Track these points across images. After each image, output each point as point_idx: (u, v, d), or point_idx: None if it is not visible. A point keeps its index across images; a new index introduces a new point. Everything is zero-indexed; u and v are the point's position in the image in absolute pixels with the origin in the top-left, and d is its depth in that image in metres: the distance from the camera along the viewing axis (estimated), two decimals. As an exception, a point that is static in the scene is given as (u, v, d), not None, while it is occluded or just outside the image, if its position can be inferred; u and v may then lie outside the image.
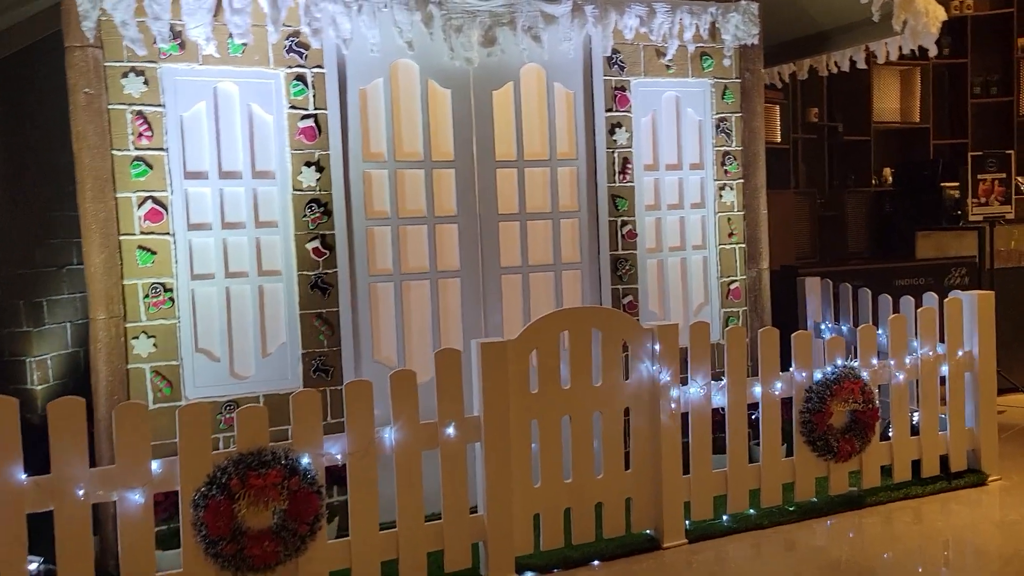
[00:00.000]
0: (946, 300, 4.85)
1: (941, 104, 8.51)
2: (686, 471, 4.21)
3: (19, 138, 4.57)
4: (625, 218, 4.92)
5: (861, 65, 5.65)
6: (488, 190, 4.66)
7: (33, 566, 3.28)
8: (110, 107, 3.89)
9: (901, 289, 6.14)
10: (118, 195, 3.92)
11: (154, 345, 4.00)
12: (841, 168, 8.28)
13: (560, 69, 4.78)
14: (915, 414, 4.80)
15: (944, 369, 4.82)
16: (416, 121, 4.52)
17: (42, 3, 3.94)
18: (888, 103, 8.44)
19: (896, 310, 5.03)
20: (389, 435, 3.62)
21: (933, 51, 5.12)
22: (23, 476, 3.08)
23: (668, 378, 4.09)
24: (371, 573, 3.59)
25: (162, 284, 4.01)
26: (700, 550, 4.09)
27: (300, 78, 4.22)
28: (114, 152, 3.90)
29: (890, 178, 8.22)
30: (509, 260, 4.73)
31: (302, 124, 4.23)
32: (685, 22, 4.85)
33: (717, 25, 4.94)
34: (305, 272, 4.26)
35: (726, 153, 5.15)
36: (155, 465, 3.27)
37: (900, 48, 5.25)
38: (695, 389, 4.19)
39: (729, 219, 5.17)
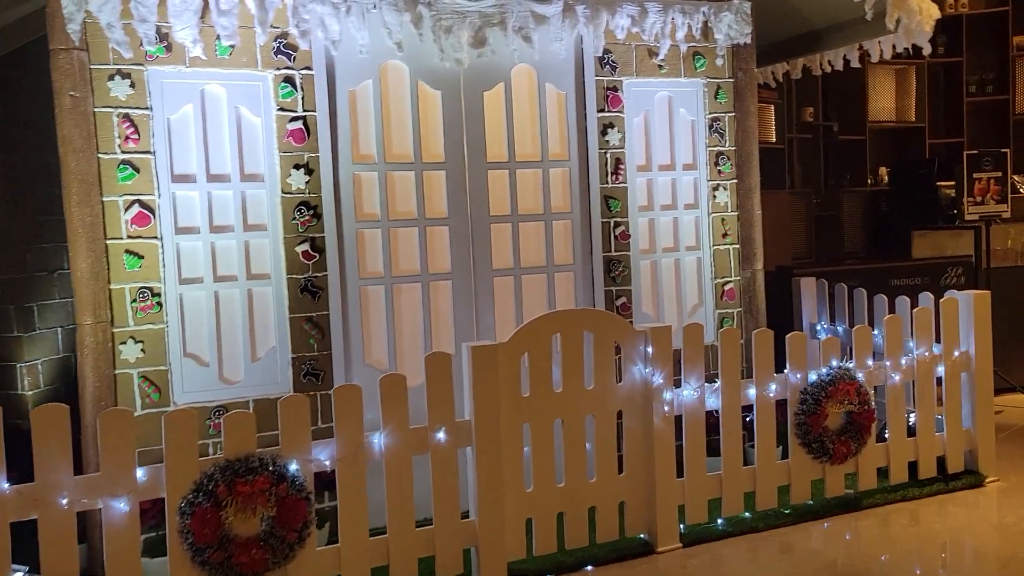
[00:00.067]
0: (942, 300, 4.82)
1: (936, 103, 8.48)
2: (680, 474, 4.18)
3: (10, 140, 4.53)
4: (618, 219, 4.88)
5: (855, 64, 5.62)
6: (479, 192, 4.63)
7: (18, 575, 3.25)
8: (96, 110, 3.85)
9: (897, 289, 6.11)
10: (105, 199, 3.88)
11: (142, 350, 3.96)
12: (836, 168, 8.25)
13: (551, 70, 4.75)
14: (911, 415, 4.77)
15: (940, 369, 4.78)
16: (406, 123, 4.49)
17: (33, 5, 3.91)
18: (883, 102, 8.40)
19: (892, 310, 5.00)
20: (379, 440, 3.58)
21: (927, 50, 5.09)
22: (5, 484, 3.04)
23: (661, 380, 4.05)
24: (361, 580, 3.56)
25: (149, 288, 3.97)
26: (695, 554, 4.05)
27: (288, 80, 4.19)
28: (100, 155, 3.86)
29: (886, 177, 8.18)
30: (501, 262, 4.69)
31: (291, 126, 4.19)
32: (677, 21, 4.81)
33: (709, 24, 4.91)
34: (295, 275, 4.22)
35: (719, 153, 5.11)
36: (141, 472, 3.23)
37: (894, 47, 5.22)
38: (688, 391, 4.16)
39: (723, 220, 5.13)
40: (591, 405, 4.00)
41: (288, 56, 4.18)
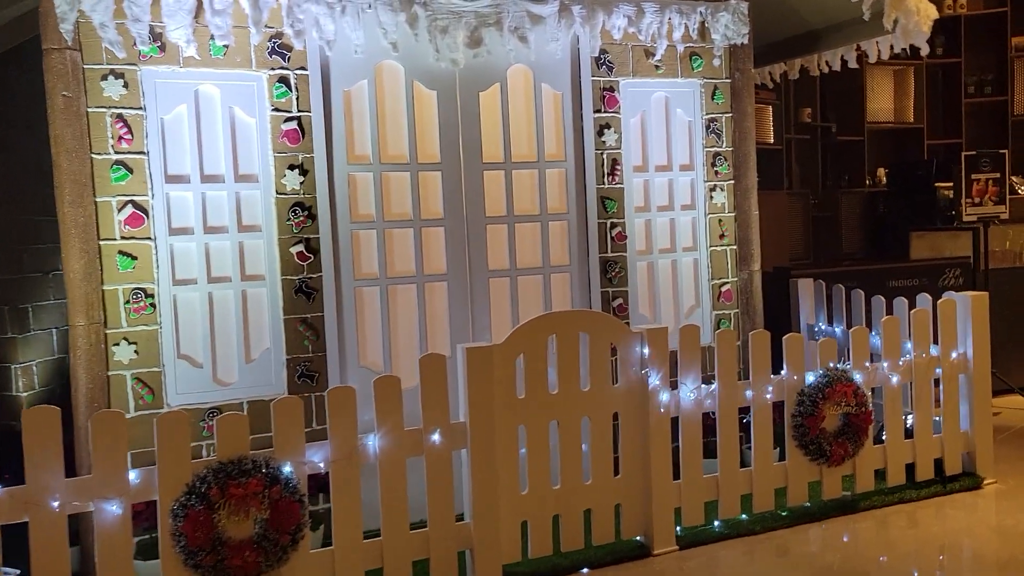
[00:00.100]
0: (940, 301, 4.80)
1: (935, 104, 8.47)
2: (676, 476, 4.16)
3: (7, 141, 4.51)
4: (614, 220, 4.86)
5: (853, 64, 5.61)
6: (475, 192, 4.61)
7: (9, 578, 3.23)
8: (89, 110, 3.83)
9: (895, 290, 6.09)
10: (98, 199, 3.86)
11: (135, 352, 3.94)
12: (835, 168, 8.24)
13: (547, 70, 4.73)
14: (909, 417, 4.75)
15: (938, 371, 4.76)
16: (401, 123, 4.47)
17: (28, 4, 3.89)
18: (882, 103, 8.39)
19: (890, 312, 4.98)
20: (373, 442, 3.56)
21: (925, 50, 5.07)
22: (-4, 487, 3.03)
23: (657, 382, 4.03)
24: (355, 583, 3.53)
25: (143, 289, 3.95)
26: (691, 557, 4.03)
27: (283, 80, 4.17)
28: (93, 156, 3.85)
29: (884, 178, 8.17)
30: (497, 263, 4.67)
31: (285, 126, 4.18)
32: (674, 22, 4.80)
33: (706, 25, 4.89)
34: (289, 276, 4.20)
35: (716, 154, 5.10)
36: (133, 475, 3.20)
37: (892, 47, 5.20)
38: (685, 393, 4.13)
39: (720, 220, 5.11)
40: (587, 407, 3.98)
41: (283, 56, 4.16)
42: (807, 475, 4.42)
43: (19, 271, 4.56)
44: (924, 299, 4.88)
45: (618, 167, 4.86)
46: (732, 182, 5.13)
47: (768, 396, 4.33)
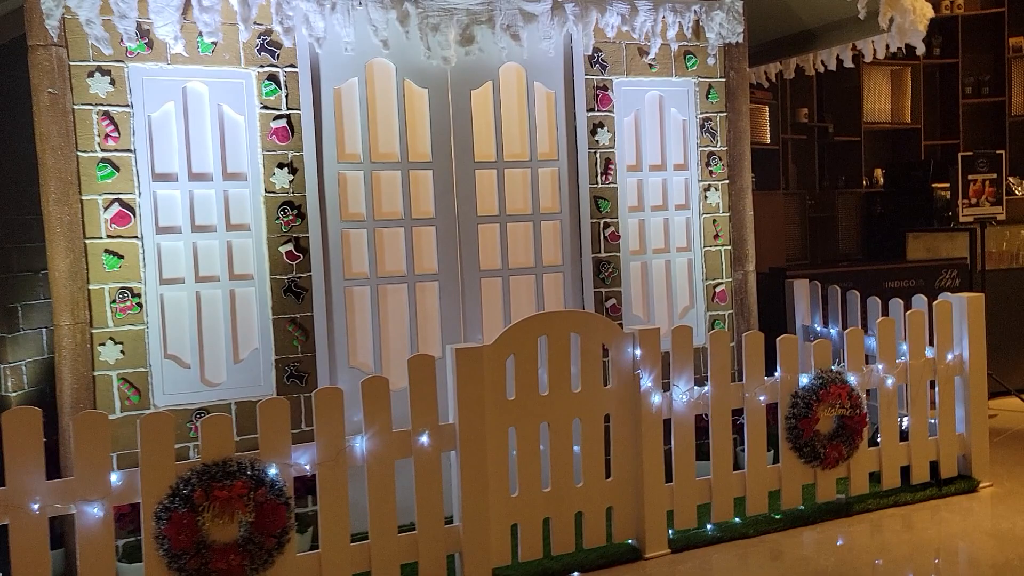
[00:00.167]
0: (935, 302, 4.76)
1: (932, 104, 8.44)
2: (669, 479, 4.11)
3: (-3, 138, 4.49)
4: (608, 220, 4.82)
5: (848, 64, 5.56)
6: (467, 191, 4.56)
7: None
8: (75, 107, 3.79)
9: (891, 291, 6.06)
10: (84, 197, 3.82)
11: (121, 352, 3.89)
12: (831, 169, 8.21)
13: (540, 68, 4.69)
14: (904, 419, 4.70)
15: (934, 373, 4.72)
16: (392, 121, 4.42)
17: (13, 2, 3.84)
18: (879, 103, 8.37)
19: (886, 313, 4.94)
20: (361, 444, 3.51)
21: (921, 49, 5.02)
22: (-25, 489, 2.98)
23: (650, 383, 3.99)
24: (342, 586, 3.49)
25: (129, 289, 3.91)
26: (683, 560, 3.99)
27: (272, 78, 4.13)
28: (79, 153, 3.80)
29: (881, 179, 8.14)
30: (489, 263, 4.63)
31: (274, 124, 4.13)
32: (668, 20, 4.76)
33: (701, 23, 4.85)
34: (278, 276, 4.16)
35: (711, 153, 5.06)
36: (115, 477, 3.16)
37: (888, 47, 5.16)
38: (678, 394, 4.09)
39: (714, 220, 5.07)
40: (578, 408, 3.94)
41: (272, 53, 4.12)
42: (801, 478, 4.38)
43: (8, 270, 4.51)
44: (920, 300, 4.84)
45: (611, 166, 4.82)
46: (727, 182, 5.09)
47: (762, 398, 4.29)
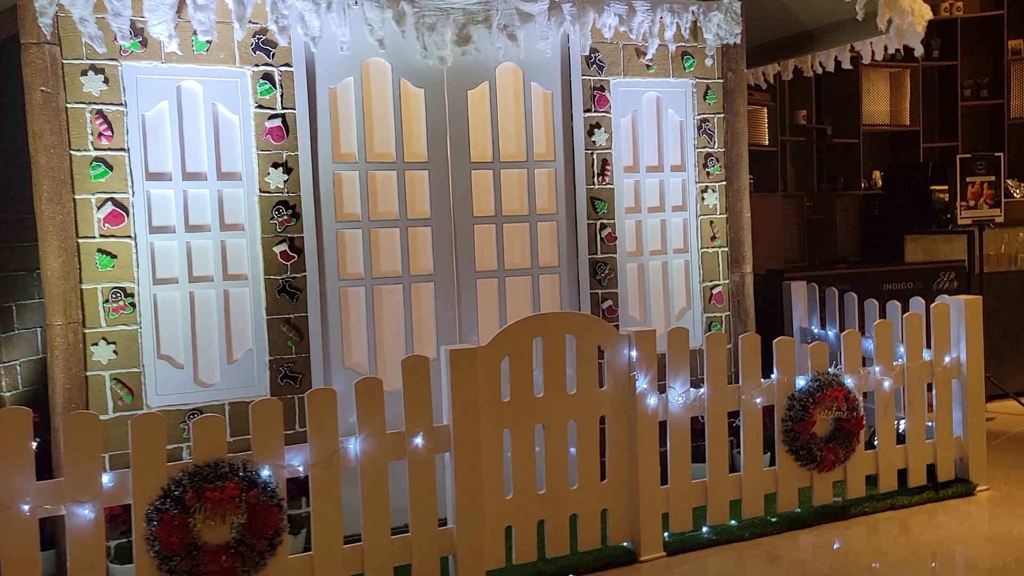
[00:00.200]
0: (933, 305, 4.74)
1: (931, 107, 8.43)
2: (664, 481, 4.09)
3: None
4: (604, 221, 4.80)
5: (846, 65, 5.54)
6: (463, 192, 4.54)
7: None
8: (68, 106, 3.77)
9: (889, 293, 6.04)
10: (77, 197, 3.80)
11: (114, 352, 3.87)
12: (830, 171, 8.19)
13: (537, 68, 4.67)
14: (901, 422, 4.68)
15: (931, 376, 4.70)
16: (388, 121, 4.40)
17: (7, 1, 3.82)
18: (878, 105, 8.35)
19: (883, 315, 4.92)
20: (354, 445, 3.49)
21: (919, 51, 5.01)
22: (-35, 490, 2.96)
23: (645, 385, 3.97)
24: (335, 589, 3.47)
25: (123, 289, 3.88)
26: (679, 563, 3.97)
27: (267, 77, 4.11)
28: (72, 152, 3.78)
29: (879, 181, 8.12)
30: (485, 264, 4.61)
31: (269, 124, 4.11)
32: (666, 21, 4.73)
33: (698, 24, 4.83)
34: (272, 276, 4.13)
35: (708, 155, 5.03)
36: (106, 478, 3.14)
37: (886, 48, 5.14)
38: (673, 396, 4.07)
39: (711, 222, 5.05)
40: (573, 410, 3.92)
41: (267, 52, 4.10)
42: (797, 481, 4.36)
43: (2, 269, 4.49)
44: (917, 303, 4.82)
45: (608, 167, 4.80)
46: (724, 183, 5.07)
47: (758, 400, 4.27)
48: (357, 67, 4.31)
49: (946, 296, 4.84)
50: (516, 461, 3.81)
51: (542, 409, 3.86)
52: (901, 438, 4.66)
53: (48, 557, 3.70)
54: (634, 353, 3.95)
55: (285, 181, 4.14)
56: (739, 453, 4.33)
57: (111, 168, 3.85)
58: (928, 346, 4.71)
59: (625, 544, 4.04)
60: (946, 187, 6.98)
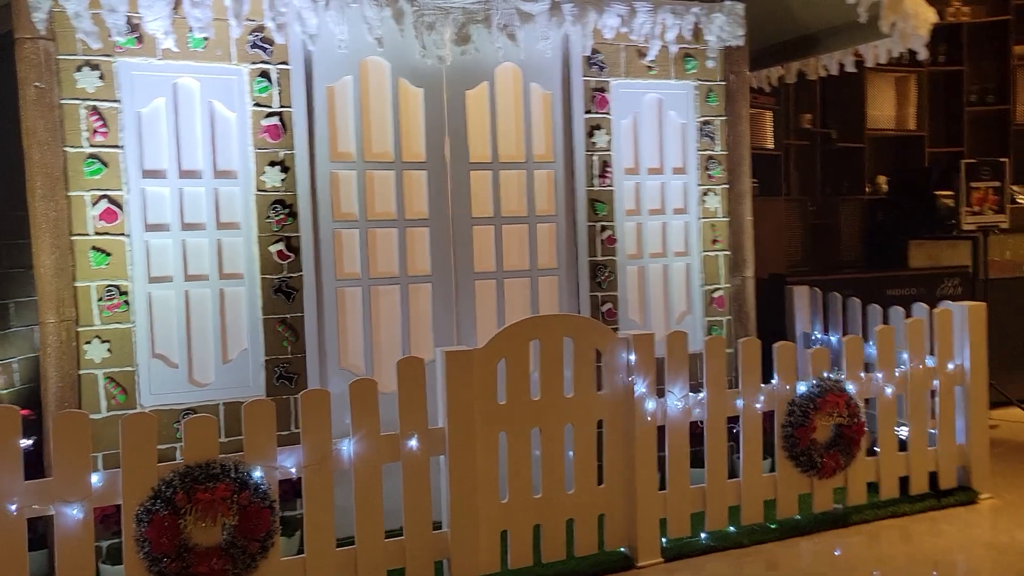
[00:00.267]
0: (936, 311, 4.69)
1: (936, 112, 8.36)
2: (662, 486, 4.05)
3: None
4: (604, 223, 4.76)
5: (850, 68, 5.49)
6: (461, 192, 4.50)
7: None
8: (63, 102, 3.74)
9: (892, 299, 5.98)
10: (70, 194, 3.76)
11: (108, 350, 3.84)
12: (834, 175, 8.12)
13: (537, 69, 4.63)
14: (903, 429, 4.63)
15: (934, 382, 4.65)
16: (386, 121, 4.37)
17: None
18: (883, 110, 8.29)
19: (886, 321, 4.87)
20: (348, 447, 3.45)
21: (923, 54, 4.96)
22: (-48, 489, 2.92)
23: (643, 389, 3.92)
24: (327, 592, 3.43)
25: (117, 287, 3.85)
26: (676, 569, 3.92)
27: (264, 74, 4.07)
28: (67, 149, 3.75)
29: (884, 186, 8.06)
30: (483, 265, 4.57)
31: (266, 122, 4.08)
32: (667, 22, 4.68)
33: (701, 26, 4.78)
34: (268, 275, 4.10)
35: (710, 157, 4.99)
36: (96, 478, 3.10)
37: (890, 52, 5.09)
38: (672, 401, 4.03)
39: (713, 225, 5.01)
40: (570, 414, 3.88)
41: (264, 50, 4.07)
42: (797, 487, 4.31)
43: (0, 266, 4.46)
44: (920, 308, 4.77)
45: (608, 169, 4.76)
46: (726, 186, 5.02)
47: (758, 405, 4.22)
48: (355, 66, 4.28)
49: (950, 302, 4.79)
50: (512, 465, 3.77)
51: (539, 412, 3.81)
52: (903, 445, 4.60)
53: (40, 557, 3.66)
54: (632, 357, 3.91)
55: (282, 180, 4.11)
56: (739, 458, 4.27)
57: (106, 165, 3.82)
58: (931, 352, 4.66)
59: (622, 550, 3.99)
60: (951, 192, 6.92)
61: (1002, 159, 6.41)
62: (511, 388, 3.76)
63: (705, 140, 4.97)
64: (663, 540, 4.03)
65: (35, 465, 3.60)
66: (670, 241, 4.95)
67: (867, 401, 4.51)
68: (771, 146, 7.31)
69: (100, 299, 3.82)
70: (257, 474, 3.27)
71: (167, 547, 3.10)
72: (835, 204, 7.89)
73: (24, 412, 4.06)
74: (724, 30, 4.79)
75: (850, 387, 4.37)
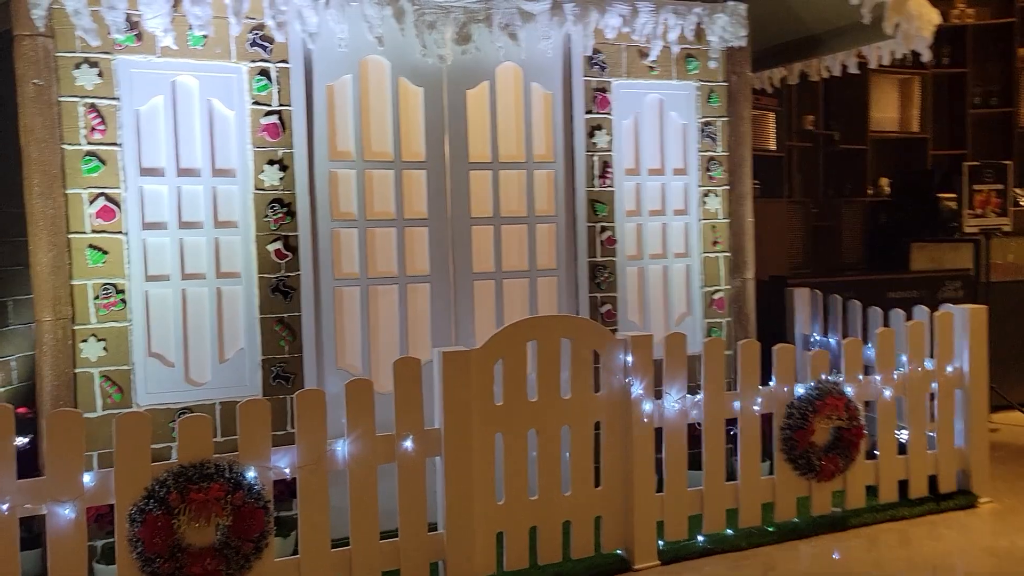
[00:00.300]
0: (936, 314, 4.67)
1: (940, 114, 8.33)
2: (660, 489, 4.03)
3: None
4: (604, 224, 4.74)
5: (853, 70, 5.47)
6: (461, 192, 4.49)
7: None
8: (61, 99, 3.73)
9: (894, 302, 5.95)
10: (68, 191, 3.75)
11: (104, 349, 3.82)
12: (836, 177, 8.10)
13: (538, 69, 4.61)
14: (903, 432, 4.61)
15: (934, 385, 4.63)
16: (386, 120, 4.35)
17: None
18: (886, 112, 8.26)
19: (887, 323, 4.85)
20: (343, 448, 3.44)
21: (926, 56, 4.93)
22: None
23: (641, 391, 3.90)
24: (321, 593, 3.41)
25: (114, 285, 3.84)
26: (673, 572, 3.90)
27: (264, 73, 4.06)
28: (64, 146, 3.74)
29: (887, 188, 8.04)
30: (482, 265, 4.55)
31: (265, 120, 4.06)
32: (669, 22, 4.67)
33: (703, 26, 4.76)
34: (266, 275, 4.08)
35: (711, 158, 4.97)
36: (88, 477, 3.09)
37: (893, 53, 5.07)
38: (670, 403, 4.01)
39: (713, 227, 4.99)
40: (567, 415, 3.86)
41: (264, 48, 4.05)
42: (795, 490, 4.29)
43: (-3, 264, 4.46)
44: (921, 311, 4.75)
45: (609, 170, 4.74)
46: (727, 187, 5.00)
47: (756, 407, 4.20)
48: (355, 64, 4.26)
49: (950, 305, 4.76)
50: (509, 466, 3.75)
51: (536, 413, 3.80)
52: (902, 448, 4.58)
53: (33, 556, 3.65)
54: (630, 358, 3.89)
55: (280, 179, 4.09)
56: (737, 461, 4.25)
57: (104, 163, 3.81)
58: (932, 355, 4.64)
59: (619, 552, 3.97)
60: (954, 195, 6.89)
61: (1005, 162, 6.38)
62: (508, 389, 3.74)
63: (706, 141, 4.95)
64: (660, 543, 4.01)
65: (32, 463, 3.60)
66: (670, 242, 4.93)
67: (867, 404, 4.49)
68: (773, 148, 7.29)
69: (97, 297, 3.81)
70: (251, 474, 3.26)
71: (160, 547, 3.09)
72: (837, 206, 7.87)
73: (21, 410, 4.09)
74: (727, 30, 4.77)
75: (849, 390, 4.35)
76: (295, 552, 3.62)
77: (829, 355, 4.44)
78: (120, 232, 3.84)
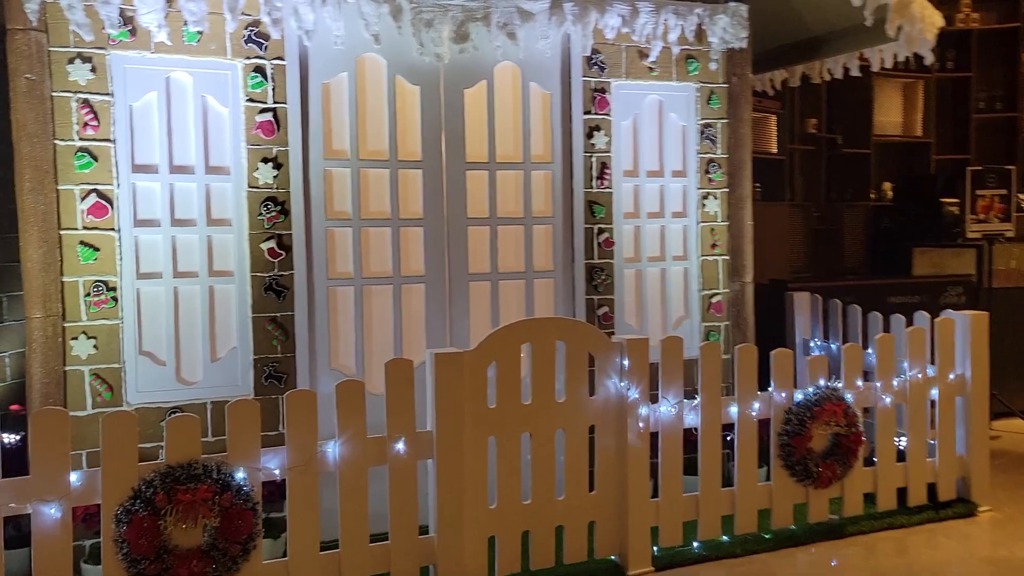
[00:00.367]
0: (937, 320, 4.62)
1: (944, 119, 8.28)
2: (654, 494, 3.99)
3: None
4: (602, 225, 4.69)
5: (855, 73, 5.42)
6: (457, 192, 4.45)
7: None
8: (54, 94, 3.70)
9: (895, 307, 5.90)
10: (60, 187, 3.72)
11: (94, 346, 3.79)
12: (839, 181, 8.05)
13: (536, 68, 4.57)
14: (902, 439, 4.56)
15: (934, 392, 4.58)
16: (382, 118, 4.31)
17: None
18: (889, 116, 8.21)
19: (887, 329, 4.80)
20: (333, 449, 3.40)
21: (929, 59, 4.89)
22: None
23: (637, 395, 3.86)
24: (310, 596, 3.37)
25: (105, 282, 3.81)
26: (668, 578, 3.86)
27: (259, 70, 4.02)
28: (57, 142, 3.71)
29: (889, 192, 7.99)
30: (478, 266, 4.51)
31: (260, 118, 4.03)
32: (670, 23, 4.62)
33: (703, 27, 4.71)
34: (259, 273, 4.05)
35: (710, 160, 4.92)
36: (75, 476, 3.05)
37: (896, 56, 5.02)
38: (666, 407, 3.96)
39: (712, 229, 4.94)
40: (562, 419, 3.81)
41: (259, 45, 4.02)
42: (792, 497, 4.24)
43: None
44: (922, 317, 4.70)
45: (607, 171, 4.70)
46: (726, 190, 4.95)
47: (753, 413, 4.16)
48: (351, 62, 4.22)
49: (952, 311, 4.71)
50: (501, 469, 3.71)
51: (529, 417, 3.75)
52: (901, 456, 4.53)
53: (22, 555, 3.61)
54: (626, 362, 3.84)
55: (274, 177, 4.06)
56: (733, 466, 4.20)
57: (96, 159, 3.77)
58: (932, 362, 4.59)
59: (612, 558, 3.93)
60: (957, 200, 6.84)
61: (1009, 167, 6.33)
62: (502, 392, 3.70)
63: (706, 143, 4.91)
64: (654, 548, 3.96)
65: (24, 461, 3.55)
66: (668, 245, 4.89)
67: (866, 410, 4.44)
68: (775, 151, 7.25)
69: (87, 294, 3.78)
70: (240, 475, 3.22)
71: (146, 548, 3.05)
72: (839, 210, 7.82)
73: (14, 407, 4.05)
74: (727, 32, 4.72)
75: (848, 396, 4.31)
76: (285, 554, 3.58)
77: (828, 360, 4.39)
78: (112, 229, 3.81)
